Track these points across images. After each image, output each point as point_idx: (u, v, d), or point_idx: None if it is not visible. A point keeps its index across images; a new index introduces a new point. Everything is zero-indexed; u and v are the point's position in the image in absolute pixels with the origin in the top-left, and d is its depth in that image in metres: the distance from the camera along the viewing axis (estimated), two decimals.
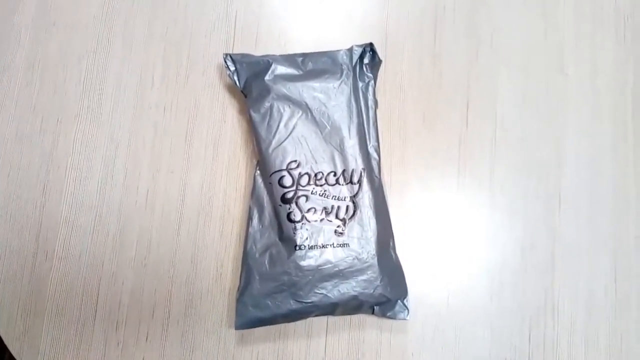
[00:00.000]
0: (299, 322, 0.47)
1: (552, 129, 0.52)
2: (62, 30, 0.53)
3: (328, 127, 0.47)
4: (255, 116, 0.47)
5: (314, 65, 0.48)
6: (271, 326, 0.46)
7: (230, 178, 0.51)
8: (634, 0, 0.55)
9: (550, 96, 0.53)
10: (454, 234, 0.50)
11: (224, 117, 0.52)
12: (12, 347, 0.47)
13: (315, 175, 0.46)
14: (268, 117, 0.47)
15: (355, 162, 0.47)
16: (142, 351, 0.47)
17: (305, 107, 0.47)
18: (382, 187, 0.48)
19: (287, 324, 0.47)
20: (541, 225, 0.50)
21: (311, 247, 0.45)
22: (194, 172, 0.51)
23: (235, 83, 0.48)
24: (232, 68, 0.49)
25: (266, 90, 0.47)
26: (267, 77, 0.47)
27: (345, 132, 0.47)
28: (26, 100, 0.51)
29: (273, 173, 0.46)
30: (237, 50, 0.52)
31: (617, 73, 0.53)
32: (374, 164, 0.48)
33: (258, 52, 0.50)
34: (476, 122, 0.52)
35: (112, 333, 0.48)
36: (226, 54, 0.48)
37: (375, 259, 0.45)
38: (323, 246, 0.45)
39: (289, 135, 0.46)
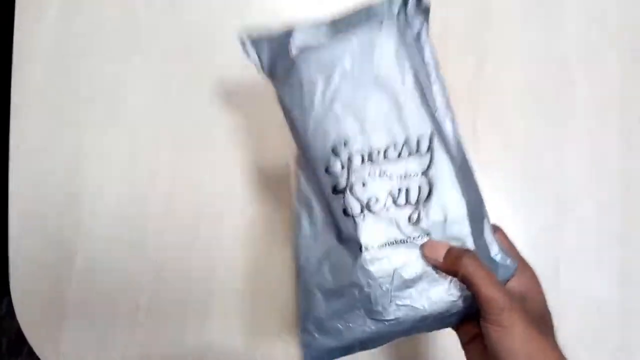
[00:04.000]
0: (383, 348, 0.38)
1: (557, 137, 0.53)
2: (84, 38, 0.54)
3: (375, 89, 0.36)
4: (285, 98, 0.38)
5: (345, 25, 0.38)
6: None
7: (261, 185, 0.50)
8: (636, 12, 0.55)
9: (557, 105, 0.53)
10: None
11: (248, 125, 0.52)
12: (36, 349, 0.49)
13: (370, 152, 0.35)
14: (299, 95, 0.37)
15: (420, 125, 0.35)
16: (160, 355, 0.49)
17: (342, 72, 0.36)
18: (463, 150, 0.37)
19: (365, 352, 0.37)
20: (545, 233, 0.51)
21: (381, 246, 0.35)
22: (216, 181, 0.51)
23: (259, 68, 0.40)
24: (253, 52, 0.39)
25: (292, 65, 0.37)
26: (292, 49, 0.37)
27: (399, 89, 0.36)
28: (50, 110, 0.53)
29: (316, 161, 0.36)
30: None
31: (624, 87, 0.53)
32: (448, 122, 0.37)
33: None
34: (484, 130, 0.52)
35: (131, 336, 0.49)
36: (242, 36, 0.39)
37: (473, 244, 0.35)
38: (396, 242, 0.35)
39: (328, 109, 0.36)
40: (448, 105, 0.38)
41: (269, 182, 0.50)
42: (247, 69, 0.41)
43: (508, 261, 0.36)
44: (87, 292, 0.50)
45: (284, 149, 0.40)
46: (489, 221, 0.37)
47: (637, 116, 0.53)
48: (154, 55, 0.54)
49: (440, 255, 0.33)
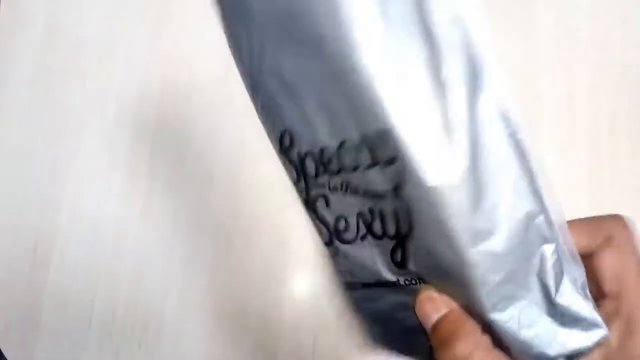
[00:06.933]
0: None
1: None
2: (66, 49, 0.55)
3: (307, 43, 0.21)
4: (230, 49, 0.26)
5: None
6: None
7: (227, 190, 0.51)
8: (606, 30, 0.57)
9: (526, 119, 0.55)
10: None
11: (222, 135, 0.53)
12: (9, 357, 0.48)
13: (321, 153, 0.22)
14: (235, 50, 0.24)
15: (382, 112, 0.20)
16: None
17: (259, 10, 0.22)
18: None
19: None
20: None
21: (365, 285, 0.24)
22: (190, 188, 0.52)
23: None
24: None
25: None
26: None
27: (354, 49, 0.20)
28: (29, 116, 0.54)
29: (276, 152, 0.26)
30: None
31: (592, 98, 0.54)
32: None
33: None
34: None
35: (107, 343, 0.48)
36: None
37: (480, 298, 0.21)
38: (381, 284, 0.23)
39: (260, 75, 0.23)
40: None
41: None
42: None
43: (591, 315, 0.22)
44: (62, 299, 0.50)
45: None
46: (548, 218, 0.23)
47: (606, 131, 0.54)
48: (136, 63, 0.55)
49: (431, 317, 0.21)
